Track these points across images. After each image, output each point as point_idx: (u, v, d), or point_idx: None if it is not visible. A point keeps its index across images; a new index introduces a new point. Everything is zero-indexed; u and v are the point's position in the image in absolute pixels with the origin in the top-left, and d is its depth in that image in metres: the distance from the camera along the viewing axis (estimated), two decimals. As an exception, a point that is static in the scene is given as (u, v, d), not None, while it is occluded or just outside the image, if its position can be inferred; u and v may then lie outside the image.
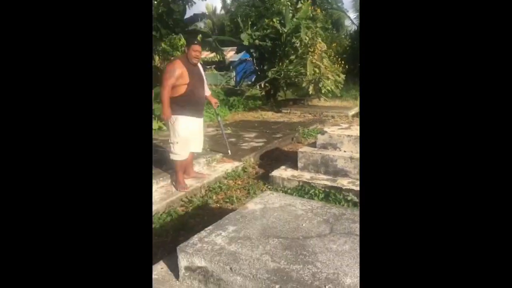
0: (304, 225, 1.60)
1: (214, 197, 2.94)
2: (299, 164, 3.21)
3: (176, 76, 2.78)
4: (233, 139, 4.65)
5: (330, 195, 2.80)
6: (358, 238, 1.47)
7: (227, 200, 2.88)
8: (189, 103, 2.85)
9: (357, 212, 1.76)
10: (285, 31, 7.75)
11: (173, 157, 2.94)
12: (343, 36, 13.59)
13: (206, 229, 1.59)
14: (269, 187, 3.12)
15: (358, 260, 1.30)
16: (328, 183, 2.88)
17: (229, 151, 3.89)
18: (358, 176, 2.92)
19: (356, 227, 1.58)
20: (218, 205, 2.81)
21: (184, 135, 2.88)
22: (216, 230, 1.56)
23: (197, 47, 2.87)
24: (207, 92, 3.21)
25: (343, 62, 8.42)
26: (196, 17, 6.81)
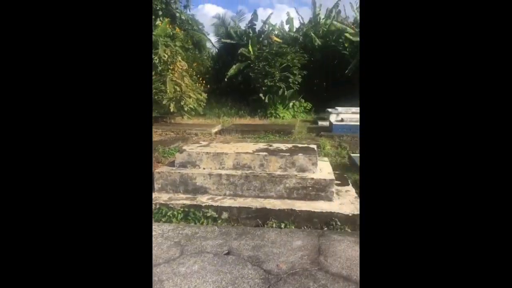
0: (152, 252, 1.46)
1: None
2: (156, 186, 3.01)
3: None
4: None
5: (190, 213, 2.72)
6: (208, 255, 1.44)
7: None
8: None
9: (210, 228, 1.74)
10: (143, 46, 7.42)
11: None
12: (205, 57, 14.15)
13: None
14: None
15: (205, 279, 1.26)
16: (187, 202, 2.80)
17: None
18: (217, 191, 2.97)
19: (207, 244, 1.55)
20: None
21: None
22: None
23: None
24: None
25: (204, 81, 8.70)
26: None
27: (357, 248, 1.53)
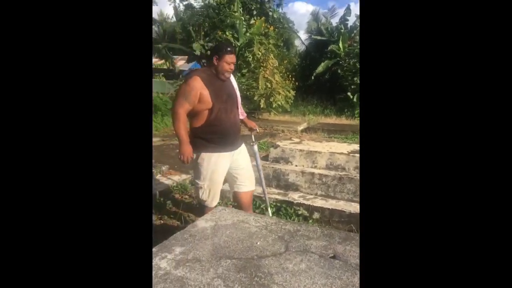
0: (258, 243, 1.50)
1: (157, 214, 2.70)
2: (251, 178, 3.13)
3: (192, 101, 1.96)
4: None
5: (281, 209, 2.76)
6: (314, 255, 1.42)
7: (172, 216, 2.66)
8: (215, 133, 2.05)
9: (311, 228, 1.72)
10: (238, 44, 7.80)
11: (202, 202, 2.21)
12: (293, 55, 14.19)
13: (149, 251, 1.40)
14: (219, 201, 2.98)
15: (314, 280, 1.24)
16: (279, 197, 2.84)
17: (268, 209, 2.63)
18: (308, 190, 2.93)
19: (311, 243, 1.53)
20: (162, 222, 2.58)
21: (213, 176, 2.10)
22: (160, 253, 1.38)
23: (232, 57, 2.04)
24: (242, 115, 2.36)
25: (293, 79, 8.73)
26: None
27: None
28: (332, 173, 2.92)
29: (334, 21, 13.39)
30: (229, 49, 2.05)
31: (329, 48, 11.17)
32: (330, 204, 2.73)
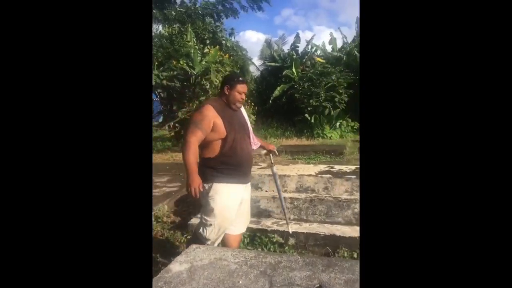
0: (240, 282, 1.40)
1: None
2: (221, 208, 3.01)
3: (205, 129, 1.87)
4: (142, 185, 4.15)
5: (256, 238, 2.66)
6: (300, 288, 1.35)
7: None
8: (229, 165, 1.94)
9: (293, 257, 1.65)
10: (195, 73, 7.79)
11: (203, 241, 1.98)
12: (248, 80, 14.55)
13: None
14: (189, 237, 2.80)
15: (306, 316, 1.17)
16: (253, 226, 2.75)
17: (289, 228, 2.48)
18: (281, 216, 2.88)
19: (295, 275, 1.46)
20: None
21: (225, 212, 1.96)
22: (132, 308, 1.22)
23: (244, 87, 2.02)
24: (255, 145, 2.28)
25: (252, 104, 8.86)
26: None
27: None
28: (303, 195, 2.92)
29: (286, 48, 14.10)
30: (241, 78, 2.05)
31: (283, 73, 11.63)
32: (304, 227, 2.70)
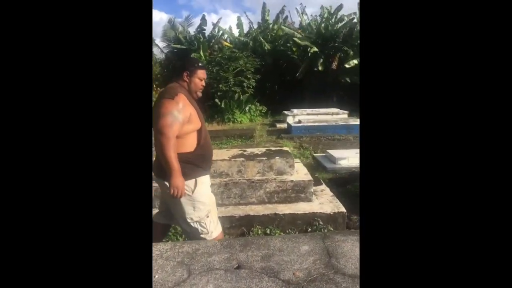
0: (156, 277, 1.33)
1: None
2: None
3: (184, 121, 1.67)
4: None
5: (170, 229, 2.56)
6: (219, 272, 1.36)
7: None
8: (205, 156, 1.83)
9: (210, 243, 1.65)
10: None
11: (204, 237, 1.79)
12: (152, 63, 13.58)
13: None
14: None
15: (226, 298, 1.19)
16: (167, 217, 2.64)
17: None
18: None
19: (213, 260, 1.46)
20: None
21: (212, 198, 1.90)
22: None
23: (204, 73, 1.86)
24: None
25: (158, 89, 8.35)
26: None
27: (362, 246, 1.57)
28: (218, 180, 2.92)
29: (191, 30, 13.60)
30: (200, 64, 1.87)
31: (191, 56, 11.25)
32: (220, 211, 2.72)
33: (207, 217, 1.82)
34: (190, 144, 1.76)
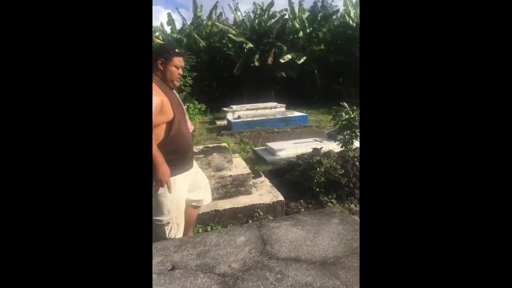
0: None
1: None
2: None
3: (155, 111, 1.52)
4: None
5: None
6: (153, 276, 1.29)
7: None
8: (178, 152, 1.66)
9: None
10: None
11: (168, 236, 1.72)
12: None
13: None
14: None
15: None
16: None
17: None
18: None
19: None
20: None
21: (180, 206, 1.74)
22: None
23: (181, 60, 1.71)
24: (191, 126, 1.89)
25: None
26: None
27: (295, 229, 1.64)
28: (152, 182, 2.79)
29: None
30: (176, 50, 1.72)
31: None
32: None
33: (168, 223, 1.70)
34: (157, 137, 1.60)
